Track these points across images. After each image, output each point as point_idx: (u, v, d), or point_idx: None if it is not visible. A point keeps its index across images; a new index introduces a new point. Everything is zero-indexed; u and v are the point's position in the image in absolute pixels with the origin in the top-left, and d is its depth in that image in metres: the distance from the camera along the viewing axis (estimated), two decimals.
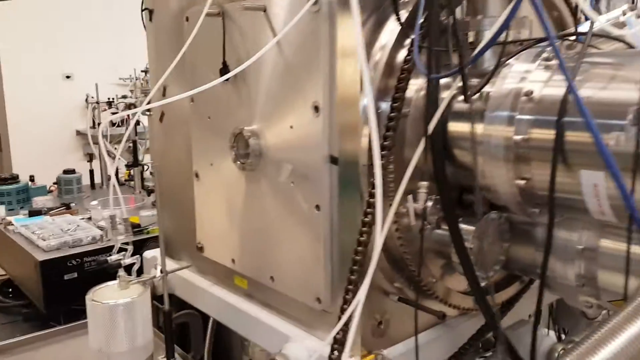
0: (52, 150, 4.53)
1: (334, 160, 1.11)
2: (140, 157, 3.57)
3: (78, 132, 4.70)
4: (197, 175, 1.56)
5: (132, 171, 3.58)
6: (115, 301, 1.32)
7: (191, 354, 1.74)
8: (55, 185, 3.30)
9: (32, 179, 3.22)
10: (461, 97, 0.98)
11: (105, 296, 1.36)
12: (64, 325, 1.83)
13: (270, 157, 1.27)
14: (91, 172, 3.56)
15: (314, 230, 1.17)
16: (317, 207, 1.15)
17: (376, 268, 0.99)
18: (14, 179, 2.99)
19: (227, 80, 1.31)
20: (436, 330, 1.30)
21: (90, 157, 3.68)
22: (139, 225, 2.39)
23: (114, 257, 1.37)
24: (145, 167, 3.65)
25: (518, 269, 1.22)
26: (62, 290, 2.08)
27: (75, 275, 2.10)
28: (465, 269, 1.05)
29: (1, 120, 4.44)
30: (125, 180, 3.68)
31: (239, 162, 1.35)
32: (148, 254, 1.73)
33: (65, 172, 3.25)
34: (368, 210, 1.00)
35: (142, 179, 3.52)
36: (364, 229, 0.99)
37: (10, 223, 2.51)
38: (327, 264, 1.17)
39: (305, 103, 1.13)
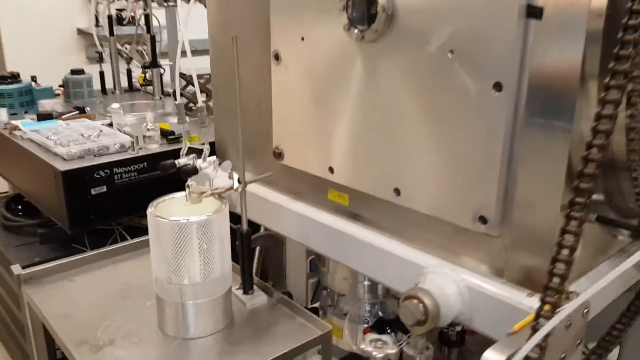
0: (50, 51, 4.11)
1: (534, 12, 0.77)
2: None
3: (80, 31, 4.26)
4: (276, 57, 1.23)
5: (148, 74, 3.21)
6: (187, 218, 1.03)
7: (270, 283, 1.47)
8: (62, 88, 2.95)
9: (34, 79, 2.86)
10: None
11: (171, 211, 1.06)
12: (92, 250, 1.56)
13: (410, 18, 0.93)
14: (101, 74, 3.18)
15: (488, 119, 0.85)
16: (497, 85, 0.83)
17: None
18: (15, 77, 2.63)
19: None
20: (616, 258, 1.02)
21: (100, 57, 3.28)
22: (172, 133, 2.08)
23: (182, 161, 1.06)
24: (163, 70, 3.29)
25: None
26: (89, 206, 1.81)
27: (104, 189, 1.81)
28: None
29: None
30: (141, 85, 3.32)
31: (356, 31, 1.01)
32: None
33: (73, 72, 2.89)
34: (612, 82, 0.67)
35: (162, 83, 3.16)
36: (605, 111, 0.67)
37: (16, 128, 2.19)
38: (502, 168, 0.86)
39: None
